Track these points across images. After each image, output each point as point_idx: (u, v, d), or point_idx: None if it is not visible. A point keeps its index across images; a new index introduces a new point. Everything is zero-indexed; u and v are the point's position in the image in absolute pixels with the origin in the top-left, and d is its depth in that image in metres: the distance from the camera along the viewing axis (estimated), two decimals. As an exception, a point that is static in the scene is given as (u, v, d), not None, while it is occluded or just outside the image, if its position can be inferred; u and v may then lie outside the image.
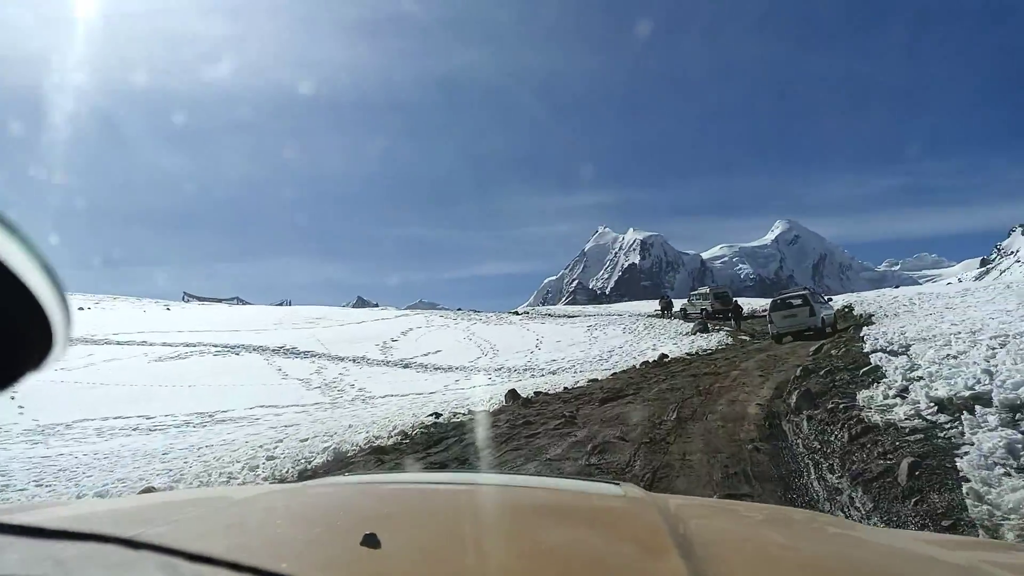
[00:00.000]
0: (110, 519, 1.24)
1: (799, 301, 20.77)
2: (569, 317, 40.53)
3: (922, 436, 4.64)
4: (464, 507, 1.44)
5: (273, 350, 28.69)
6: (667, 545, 1.07)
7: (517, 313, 44.20)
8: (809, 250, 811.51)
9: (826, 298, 23.51)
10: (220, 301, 71.43)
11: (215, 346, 29.50)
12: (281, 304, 72.70)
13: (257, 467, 6.93)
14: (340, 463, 6.76)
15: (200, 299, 77.99)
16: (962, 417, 4.58)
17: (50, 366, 0.68)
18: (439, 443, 7.50)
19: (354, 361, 26.11)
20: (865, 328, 14.75)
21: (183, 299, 73.25)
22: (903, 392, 5.60)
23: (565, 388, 12.33)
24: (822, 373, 8.36)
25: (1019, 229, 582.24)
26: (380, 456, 6.78)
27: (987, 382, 5.01)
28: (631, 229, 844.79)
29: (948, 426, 4.66)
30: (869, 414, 5.33)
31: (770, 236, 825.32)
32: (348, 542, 0.99)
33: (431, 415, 9.43)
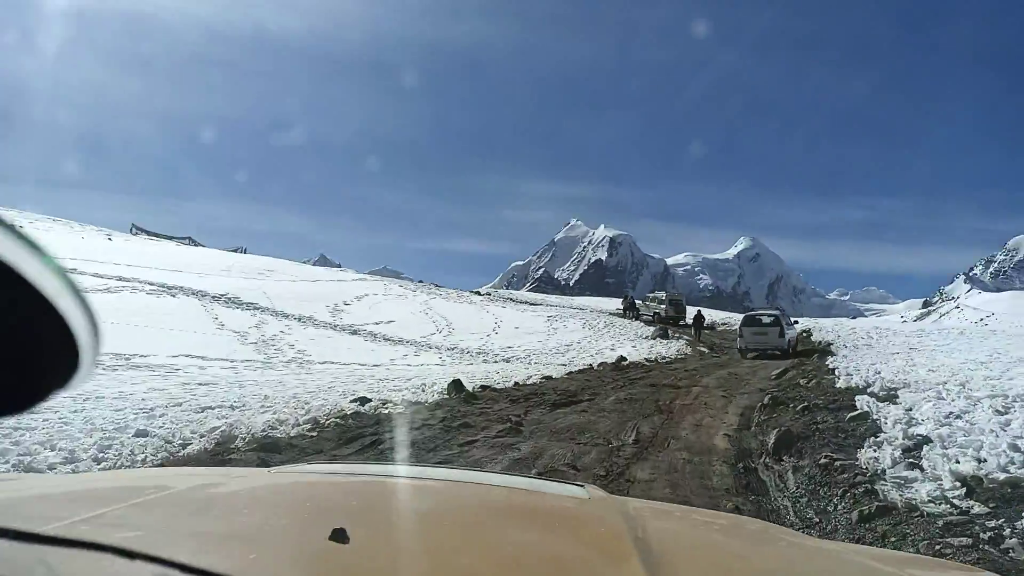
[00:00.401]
0: (69, 501, 1.22)
1: (771, 320, 20.50)
2: (531, 304, 39.80)
3: (962, 535, 3.72)
4: (433, 503, 1.45)
5: (214, 297, 27.09)
6: (628, 549, 1.09)
7: (479, 293, 43.23)
8: (767, 269, 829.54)
9: (792, 320, 23.35)
10: (171, 239, 68.52)
11: (151, 284, 27.73)
12: (236, 251, 69.94)
13: (110, 447, 5.49)
14: (217, 457, 5.55)
15: (150, 234, 74.55)
16: (1008, 513, 3.78)
17: (77, 386, 0.68)
18: (352, 441, 6.38)
19: (299, 320, 24.78)
20: (831, 358, 14.30)
21: (131, 231, 70.00)
22: (914, 458, 4.82)
23: (516, 383, 11.39)
24: (797, 408, 7.64)
25: (962, 277, 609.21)
26: (268, 454, 5.49)
27: (1021, 463, 4.25)
28: (602, 225, 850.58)
29: (989, 522, 3.80)
30: (883, 487, 4.48)
31: (733, 251, 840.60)
32: (316, 536, 0.98)
33: (356, 399, 8.26)
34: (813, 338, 23.35)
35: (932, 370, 9.18)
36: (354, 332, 23.83)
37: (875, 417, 6.20)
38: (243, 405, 7.73)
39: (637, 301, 37.87)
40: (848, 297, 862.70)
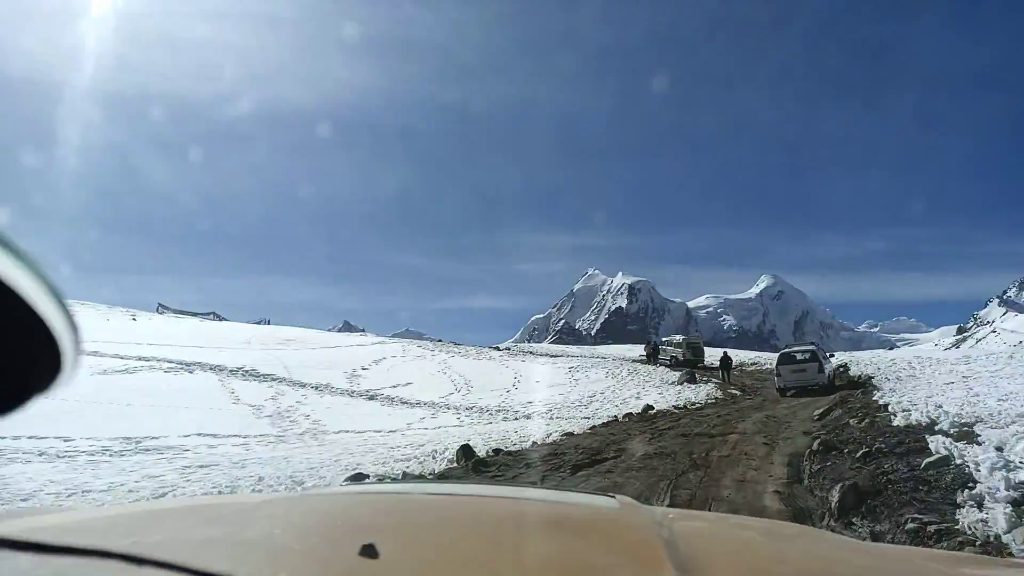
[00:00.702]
0: (106, 530, 1.22)
1: (808, 356, 20.21)
2: (552, 356, 38.89)
3: None
4: (462, 519, 1.43)
5: (231, 371, 26.66)
6: (662, 559, 1.08)
7: (498, 348, 42.47)
8: (792, 306, 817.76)
9: (828, 354, 22.24)
10: (195, 315, 69.17)
11: (169, 362, 27.41)
12: (260, 323, 70.28)
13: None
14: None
15: (175, 312, 75.59)
16: None
17: (58, 390, 0.68)
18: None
19: (316, 389, 24.19)
20: (877, 392, 13.25)
21: (157, 310, 70.77)
22: (1031, 518, 3.88)
23: (534, 443, 10.59)
24: (856, 454, 6.73)
25: (996, 300, 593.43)
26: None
27: None
28: (620, 273, 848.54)
29: None
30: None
31: (755, 290, 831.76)
32: (346, 552, 0.98)
33: (354, 475, 7.54)
34: (851, 372, 22.17)
35: (1002, 399, 8.20)
36: (371, 397, 23.15)
37: (959, 462, 5.26)
38: (235, 488, 7.05)
39: (661, 346, 36.85)
40: (878, 329, 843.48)
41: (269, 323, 73.23)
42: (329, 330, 56.15)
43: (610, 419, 15.00)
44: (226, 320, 70.06)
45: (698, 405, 17.79)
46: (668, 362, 33.27)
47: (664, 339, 37.99)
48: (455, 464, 8.53)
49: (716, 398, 19.73)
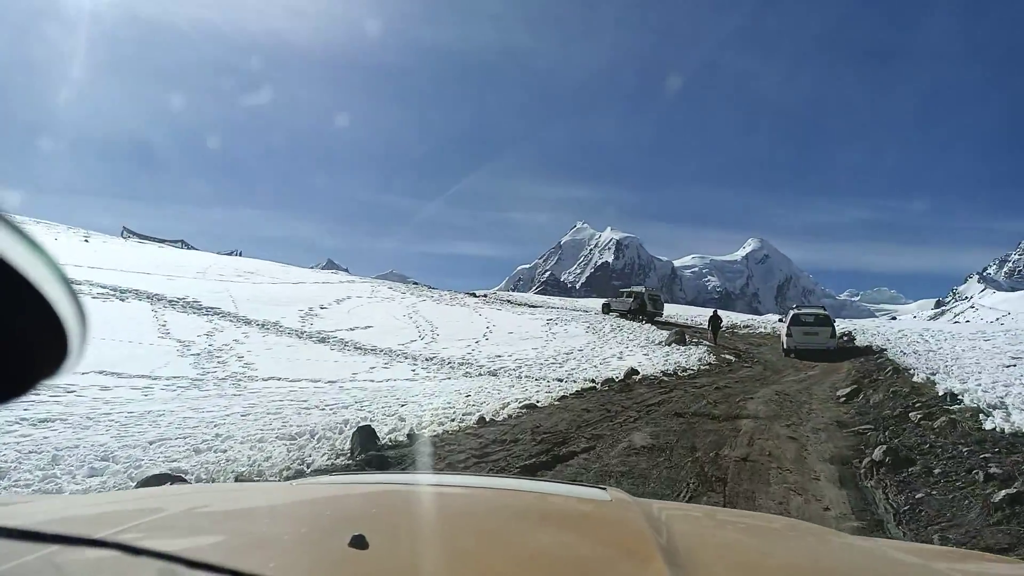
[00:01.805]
0: (93, 517, 1.24)
1: (821, 319, 19.95)
2: (531, 307, 36.52)
3: None
4: (453, 509, 1.42)
5: (171, 301, 23.82)
6: (652, 550, 1.08)
7: (474, 295, 39.92)
8: (776, 270, 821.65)
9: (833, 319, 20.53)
10: (162, 242, 65.66)
11: (103, 287, 24.55)
12: (231, 254, 66.80)
13: None
14: None
15: (141, 237, 71.86)
16: None
17: (65, 374, 0.69)
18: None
19: (262, 327, 21.51)
20: (914, 371, 10.93)
21: (121, 234, 67.16)
22: None
23: (481, 419, 7.97)
24: (968, 480, 4.28)
25: (976, 276, 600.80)
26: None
27: None
28: (609, 228, 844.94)
29: None
30: None
31: (741, 252, 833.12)
32: (336, 543, 0.97)
33: (186, 455, 5.00)
34: (857, 342, 19.99)
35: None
36: (322, 340, 20.55)
37: None
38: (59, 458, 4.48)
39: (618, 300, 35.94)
40: (859, 298, 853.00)
41: (241, 254, 69.72)
42: (312, 267, 53.25)
43: (587, 385, 12.57)
44: (195, 249, 66.59)
45: (690, 372, 15.42)
46: (626, 312, 32.84)
47: (623, 290, 36.90)
48: (339, 458, 5.91)
49: (709, 364, 17.39)
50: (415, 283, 42.85)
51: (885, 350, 16.79)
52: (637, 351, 19.54)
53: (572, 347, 20.60)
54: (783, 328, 20.87)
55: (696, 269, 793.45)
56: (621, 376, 14.07)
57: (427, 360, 17.86)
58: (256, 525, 1.23)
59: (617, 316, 32.41)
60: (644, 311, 32.71)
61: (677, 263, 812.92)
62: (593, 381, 13.42)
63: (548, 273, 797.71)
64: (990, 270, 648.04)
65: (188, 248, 68.07)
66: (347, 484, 1.75)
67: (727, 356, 19.27)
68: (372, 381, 14.36)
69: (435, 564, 0.99)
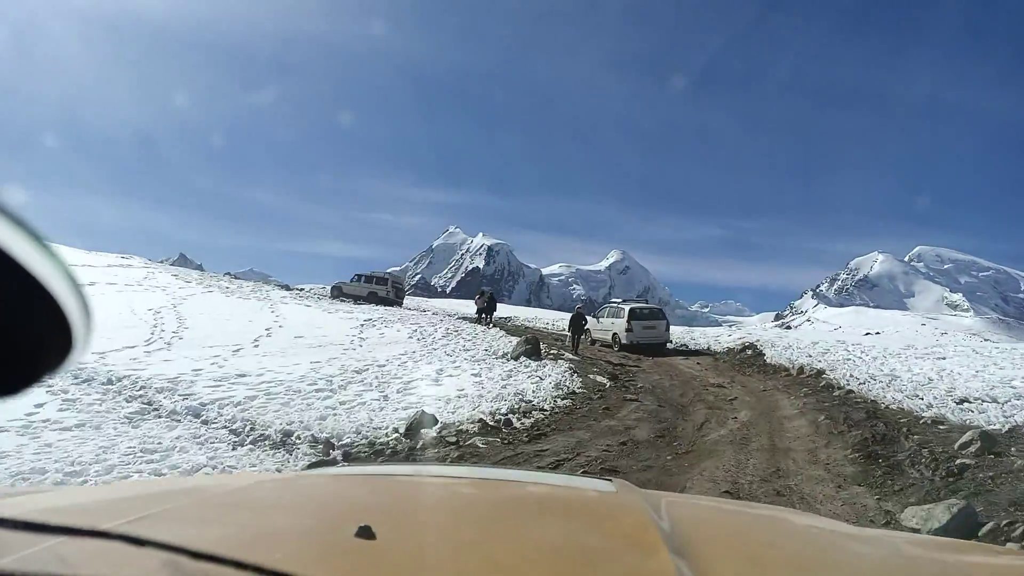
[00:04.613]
0: (99, 509, 1.22)
1: (657, 313, 20.69)
2: (360, 303, 29.49)
3: None
4: (458, 500, 1.43)
5: None
6: (657, 542, 1.07)
7: (289, 288, 31.98)
8: (636, 281, 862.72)
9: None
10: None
11: None
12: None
13: None
14: None
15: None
16: None
17: (69, 368, 0.76)
18: None
19: None
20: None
21: None
22: None
23: None
24: None
25: (810, 292, 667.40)
26: None
27: None
28: (481, 234, 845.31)
29: None
30: None
31: (605, 263, 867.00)
32: (343, 534, 0.97)
33: None
34: (768, 358, 14.96)
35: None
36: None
37: None
38: None
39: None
40: (708, 309, 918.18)
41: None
42: (161, 261, 43.20)
43: (316, 460, 5.92)
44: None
45: (535, 419, 9.21)
46: (363, 299, 28.58)
47: (356, 274, 31.72)
48: None
49: (572, 394, 11.35)
50: (213, 274, 34.08)
51: (824, 372, 11.74)
52: (467, 368, 13.14)
53: (372, 361, 13.81)
54: (617, 323, 20.23)
55: (563, 277, 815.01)
56: (398, 432, 7.50)
57: (117, 381, 10.38)
58: (262, 516, 1.22)
59: (353, 303, 27.18)
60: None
61: (545, 271, 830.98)
62: (375, 441, 6.76)
63: (419, 276, 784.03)
64: (822, 287, 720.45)
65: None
66: (353, 475, 1.77)
67: (598, 378, 13.36)
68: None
69: (441, 555, 0.98)
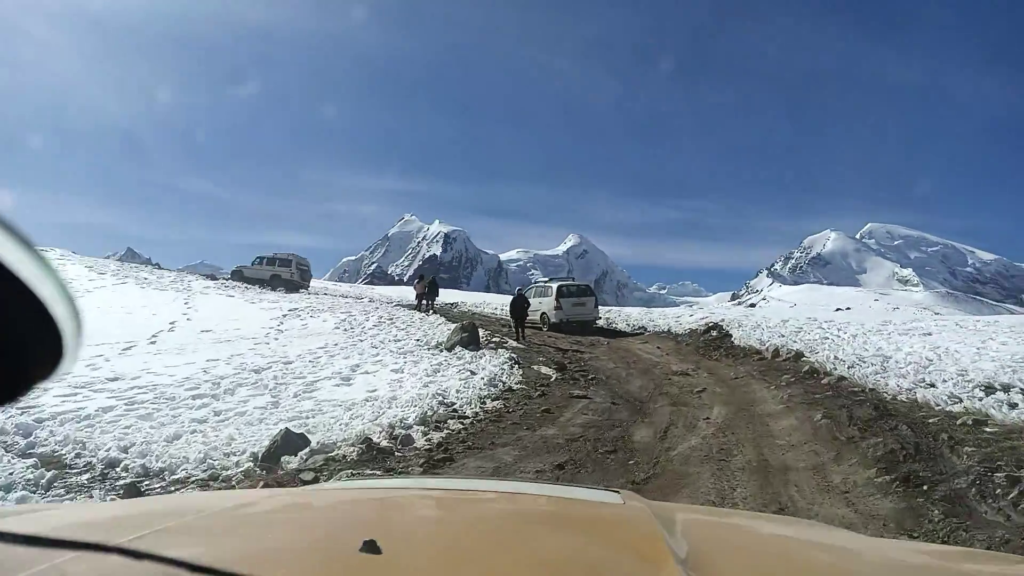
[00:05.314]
0: (105, 525, 1.21)
1: (585, 289, 20.37)
2: (309, 293, 27.34)
3: None
4: (464, 513, 1.41)
5: None
6: (665, 553, 1.05)
7: (214, 277, 29.33)
8: (594, 265, 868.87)
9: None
10: None
11: None
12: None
13: None
14: None
15: None
16: None
17: (60, 376, 0.68)
18: None
19: None
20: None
21: None
22: None
23: None
24: None
25: (765, 272, 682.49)
26: None
27: None
28: (437, 221, 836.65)
29: None
30: None
31: (562, 248, 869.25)
32: (347, 549, 0.96)
33: None
34: (736, 338, 13.49)
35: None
36: None
37: None
38: None
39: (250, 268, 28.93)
40: (666, 291, 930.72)
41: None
42: (107, 257, 39.53)
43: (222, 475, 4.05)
44: None
45: (459, 427, 7.45)
46: (264, 282, 26.90)
47: (259, 256, 29.24)
48: None
49: (509, 390, 9.62)
50: (135, 264, 31.14)
51: (803, 355, 10.29)
52: (389, 363, 11.28)
53: (282, 356, 11.83)
54: (545, 302, 19.64)
55: (521, 262, 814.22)
56: (256, 459, 5.65)
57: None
58: (267, 531, 1.21)
59: (260, 289, 25.49)
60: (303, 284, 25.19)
61: (503, 256, 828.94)
62: (249, 467, 4.91)
63: (375, 265, 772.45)
64: (776, 266, 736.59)
65: None
66: (359, 489, 1.75)
67: (543, 369, 11.66)
68: None
69: (448, 569, 0.98)
